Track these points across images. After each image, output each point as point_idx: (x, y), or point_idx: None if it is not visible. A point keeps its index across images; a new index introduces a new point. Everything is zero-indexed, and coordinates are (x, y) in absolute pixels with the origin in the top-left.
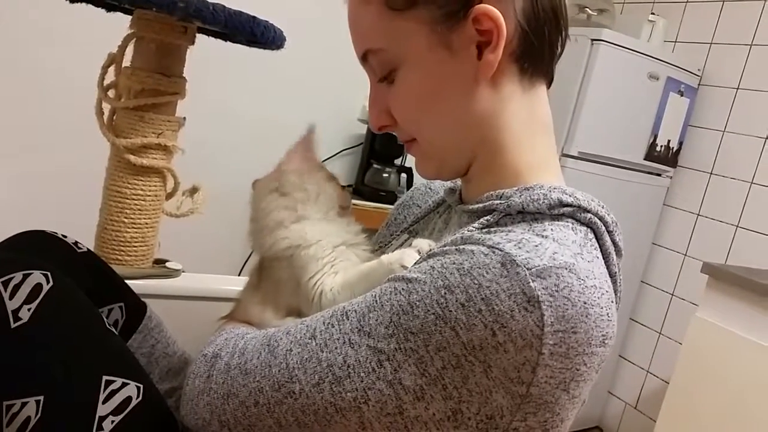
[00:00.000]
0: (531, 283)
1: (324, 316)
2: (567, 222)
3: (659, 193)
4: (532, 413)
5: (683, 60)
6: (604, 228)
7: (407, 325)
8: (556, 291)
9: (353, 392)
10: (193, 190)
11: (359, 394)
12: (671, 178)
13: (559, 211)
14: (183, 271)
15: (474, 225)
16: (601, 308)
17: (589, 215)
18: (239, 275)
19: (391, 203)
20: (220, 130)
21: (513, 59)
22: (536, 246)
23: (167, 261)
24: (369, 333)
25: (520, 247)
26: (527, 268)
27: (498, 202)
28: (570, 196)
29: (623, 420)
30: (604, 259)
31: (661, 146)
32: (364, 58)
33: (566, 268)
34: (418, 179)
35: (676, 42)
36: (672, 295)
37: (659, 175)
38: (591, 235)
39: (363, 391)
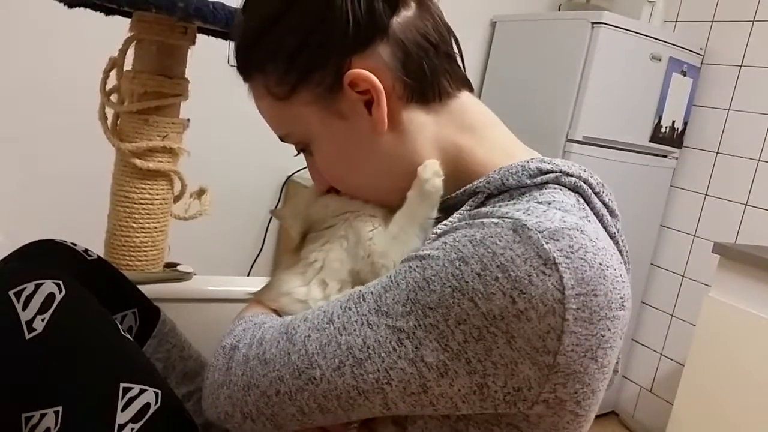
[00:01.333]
0: (545, 246)
1: (341, 300)
2: (554, 188)
3: (666, 175)
4: (561, 384)
5: (685, 40)
6: (590, 191)
7: (424, 300)
8: (572, 252)
9: (375, 373)
10: (201, 192)
11: (381, 375)
12: (677, 159)
13: (542, 179)
14: (194, 274)
15: (462, 208)
16: (615, 269)
17: (572, 179)
18: (248, 275)
19: None
20: (222, 130)
21: (405, 101)
22: (544, 212)
23: (178, 264)
24: (387, 312)
25: (529, 214)
26: (539, 231)
27: (477, 183)
28: (549, 163)
29: (638, 404)
30: (598, 221)
31: (666, 127)
32: (281, 139)
33: (577, 230)
34: None
35: (676, 22)
36: (683, 276)
37: (665, 156)
38: (581, 200)
39: (385, 372)
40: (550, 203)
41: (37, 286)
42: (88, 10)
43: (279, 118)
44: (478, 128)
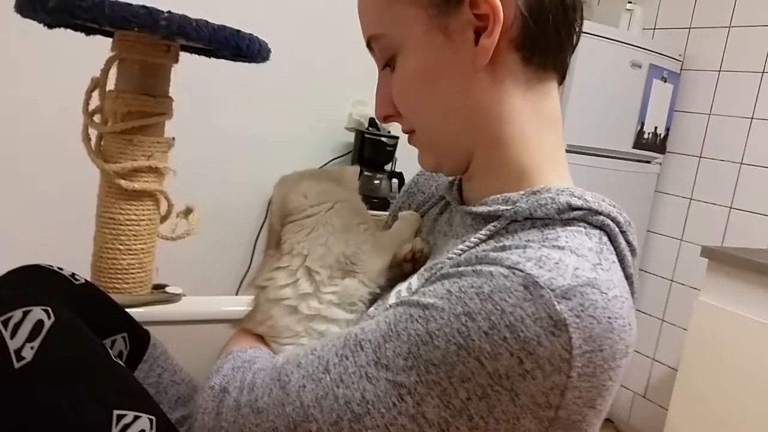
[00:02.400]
0: (557, 306)
1: (336, 345)
2: (579, 227)
3: (650, 180)
4: None
5: (664, 46)
6: (617, 230)
7: (427, 356)
8: (582, 311)
9: (374, 429)
10: (188, 211)
11: (381, 431)
12: (661, 164)
13: (570, 215)
14: (184, 295)
15: (481, 232)
16: (624, 318)
17: (601, 217)
18: (237, 294)
19: (384, 209)
20: (204, 149)
21: (513, 47)
22: (557, 264)
23: (167, 286)
24: (387, 366)
25: (540, 266)
26: (551, 290)
27: (504, 207)
28: (579, 198)
29: (633, 410)
30: (619, 261)
31: (649, 133)
32: (369, 45)
33: (589, 285)
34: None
35: (655, 29)
36: (671, 281)
37: (648, 162)
38: (605, 239)
39: (385, 428)
40: (563, 248)
41: (25, 314)
42: (68, 30)
43: (380, 13)
44: (553, 124)
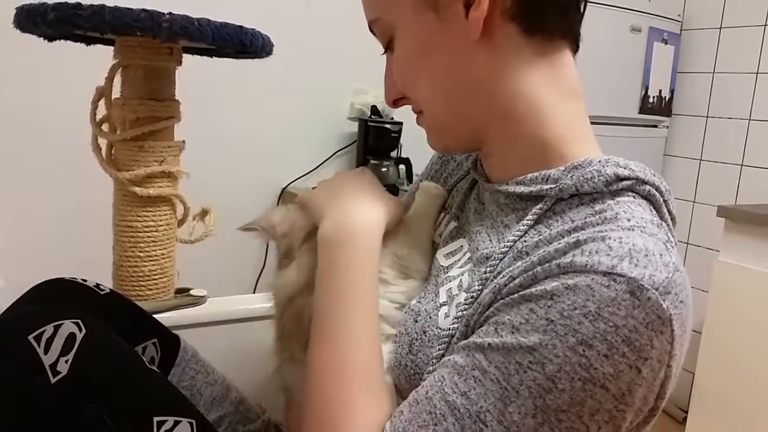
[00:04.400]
0: (663, 305)
1: (449, 430)
2: (628, 197)
3: (658, 144)
4: (652, 416)
5: (662, 8)
6: (661, 199)
7: (555, 404)
8: (678, 301)
9: None
10: (204, 213)
11: None
12: (668, 127)
13: (618, 186)
14: (208, 297)
15: (527, 219)
16: (689, 291)
17: (647, 187)
18: (254, 292)
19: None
20: (208, 150)
21: (508, 18)
22: (646, 256)
23: (190, 289)
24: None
25: (636, 264)
26: (655, 289)
27: (547, 187)
28: (625, 168)
29: None
30: None
31: (654, 97)
32: (372, 30)
33: (675, 270)
34: (419, 165)
35: None
36: (687, 243)
37: (655, 126)
38: (652, 209)
39: None
40: (633, 228)
41: (56, 328)
42: (68, 42)
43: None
44: (570, 93)
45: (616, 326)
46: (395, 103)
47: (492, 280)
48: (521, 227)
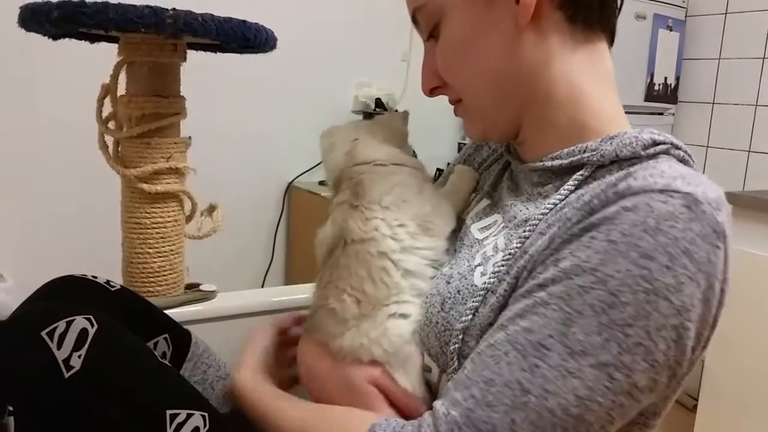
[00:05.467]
0: (718, 218)
1: (513, 362)
2: (667, 158)
3: (665, 132)
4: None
5: None
6: (694, 166)
7: (620, 318)
8: (729, 219)
9: (598, 422)
10: (211, 209)
11: (604, 420)
12: (674, 114)
13: (655, 150)
14: (218, 292)
15: (569, 184)
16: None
17: (681, 152)
18: (263, 286)
19: None
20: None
21: (556, 5)
22: (696, 176)
23: (200, 284)
24: (584, 351)
25: (688, 182)
26: (709, 203)
27: (588, 155)
28: (660, 134)
29: None
30: None
31: (659, 84)
32: (414, 18)
33: (722, 192)
34: (424, 156)
35: None
36: None
37: (661, 114)
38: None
39: (607, 415)
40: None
41: (69, 324)
42: (73, 40)
43: None
44: (607, 82)
45: (675, 238)
46: (432, 91)
47: (536, 236)
48: (563, 191)
